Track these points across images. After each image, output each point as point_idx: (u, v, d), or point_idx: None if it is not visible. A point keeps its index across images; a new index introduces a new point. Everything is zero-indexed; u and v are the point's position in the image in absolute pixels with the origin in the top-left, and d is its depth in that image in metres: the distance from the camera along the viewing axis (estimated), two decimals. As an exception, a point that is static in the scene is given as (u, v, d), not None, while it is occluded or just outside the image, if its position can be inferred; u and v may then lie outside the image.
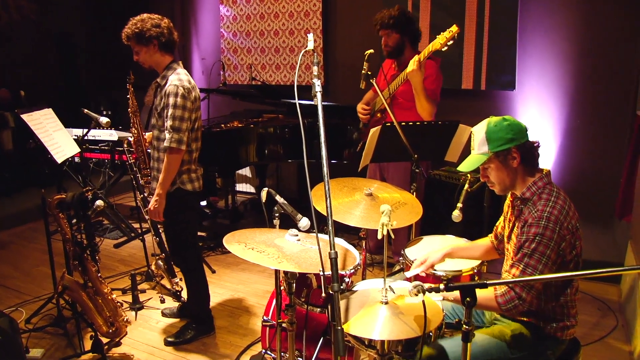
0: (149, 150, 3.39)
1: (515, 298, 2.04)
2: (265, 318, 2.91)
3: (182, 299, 3.75)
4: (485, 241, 2.55)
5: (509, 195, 2.32)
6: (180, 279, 3.68)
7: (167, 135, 3.03)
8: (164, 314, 3.78)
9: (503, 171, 2.17)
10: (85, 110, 3.92)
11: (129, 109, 3.44)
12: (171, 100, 3.02)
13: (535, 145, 2.17)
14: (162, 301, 3.93)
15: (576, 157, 4.82)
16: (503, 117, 2.16)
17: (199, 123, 3.23)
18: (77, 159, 5.14)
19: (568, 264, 2.10)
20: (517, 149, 2.12)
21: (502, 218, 2.44)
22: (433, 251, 2.51)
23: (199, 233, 5.13)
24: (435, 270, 2.54)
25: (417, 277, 2.64)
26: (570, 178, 4.79)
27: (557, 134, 4.85)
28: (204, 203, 5.99)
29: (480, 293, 2.09)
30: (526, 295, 2.04)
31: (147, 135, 3.46)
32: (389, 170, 4.12)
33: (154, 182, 3.25)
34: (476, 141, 2.17)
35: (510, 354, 2.17)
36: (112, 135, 5.40)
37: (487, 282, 1.72)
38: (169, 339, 3.42)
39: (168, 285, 3.80)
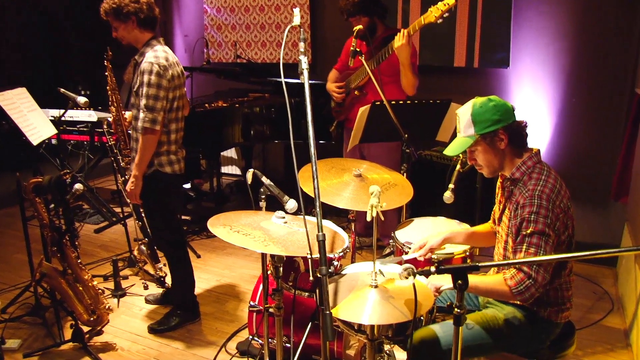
0: (129, 131, 3.35)
1: (526, 278, 2.01)
2: (252, 303, 2.92)
3: (166, 285, 3.75)
4: (486, 227, 2.55)
5: (499, 176, 2.33)
6: (164, 265, 3.67)
7: (141, 115, 3.01)
8: (147, 301, 3.78)
9: (490, 153, 2.17)
10: (62, 89, 3.86)
11: (107, 87, 3.40)
12: (145, 78, 2.99)
13: (523, 125, 2.18)
14: (146, 287, 3.93)
15: (571, 136, 4.83)
16: (488, 97, 2.15)
17: (181, 102, 3.19)
18: (54, 141, 5.08)
19: (561, 244, 2.12)
20: (504, 130, 2.12)
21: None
22: (432, 235, 2.50)
23: (183, 217, 5.13)
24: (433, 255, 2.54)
25: (408, 261, 2.66)
26: (565, 158, 4.82)
27: (552, 112, 4.87)
28: (188, 186, 5.97)
29: (488, 279, 2.12)
30: (536, 274, 2.01)
31: (127, 114, 3.42)
32: (369, 148, 4.13)
33: (133, 164, 3.22)
34: (462, 124, 2.17)
35: (503, 338, 2.19)
36: (91, 115, 5.33)
37: (479, 264, 1.72)
38: (153, 326, 3.43)
39: (151, 271, 3.80)
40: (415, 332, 2.15)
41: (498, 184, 2.35)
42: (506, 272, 2.07)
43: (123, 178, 3.48)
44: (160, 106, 3.02)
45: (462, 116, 2.17)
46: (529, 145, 2.22)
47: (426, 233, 2.89)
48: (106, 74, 3.38)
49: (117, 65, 3.43)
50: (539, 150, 2.20)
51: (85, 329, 3.21)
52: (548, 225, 2.03)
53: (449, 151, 2.22)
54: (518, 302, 2.22)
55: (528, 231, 2.04)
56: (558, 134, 4.88)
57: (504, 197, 2.29)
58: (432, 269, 1.74)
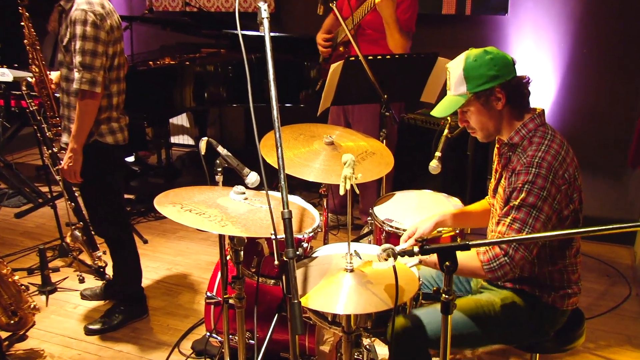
0: (56, 94, 3.29)
1: (501, 255, 2.05)
2: (209, 294, 2.93)
3: (107, 276, 3.72)
4: (483, 205, 2.56)
5: (496, 141, 2.34)
6: (104, 253, 3.65)
7: (77, 75, 2.94)
8: (84, 296, 3.76)
9: (485, 115, 2.17)
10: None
11: (25, 41, 3.31)
12: (78, 29, 2.91)
13: (524, 81, 2.18)
14: (82, 280, 3.89)
15: (581, 95, 4.85)
16: (485, 49, 2.15)
17: (122, 59, 3.14)
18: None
19: (564, 220, 2.14)
20: (502, 88, 2.12)
21: None
22: (422, 220, 2.51)
23: (127, 195, 5.08)
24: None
25: (389, 241, 2.69)
26: (573, 121, 4.85)
27: (557, 67, 4.88)
28: (131, 159, 5.91)
29: (461, 254, 2.14)
30: (514, 252, 2.04)
31: (54, 74, 3.35)
32: (354, 114, 4.14)
33: (64, 134, 3.17)
34: (452, 80, 2.17)
35: (499, 327, 2.24)
36: (4, 74, 5.18)
37: (470, 243, 1.74)
38: (91, 327, 3.41)
39: (88, 261, 3.77)
40: (397, 319, 2.18)
41: (495, 150, 2.37)
42: (480, 247, 2.10)
43: (50, 151, 3.42)
44: (99, 64, 2.96)
45: (453, 71, 2.17)
46: (532, 106, 2.22)
47: (410, 209, 2.94)
48: (22, 23, 3.29)
49: (37, 13, 3.33)
50: (543, 110, 2.21)
51: (4, 334, 3.16)
52: (542, 198, 2.04)
53: (437, 112, 2.22)
54: (517, 286, 2.26)
55: (516, 202, 2.07)
56: (565, 93, 4.90)
57: (500, 165, 2.31)
58: (416, 248, 1.76)
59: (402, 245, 2.45)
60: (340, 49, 4.00)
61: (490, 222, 2.38)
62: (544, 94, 4.92)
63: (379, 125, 3.42)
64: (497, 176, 2.35)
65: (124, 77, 3.20)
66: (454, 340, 1.87)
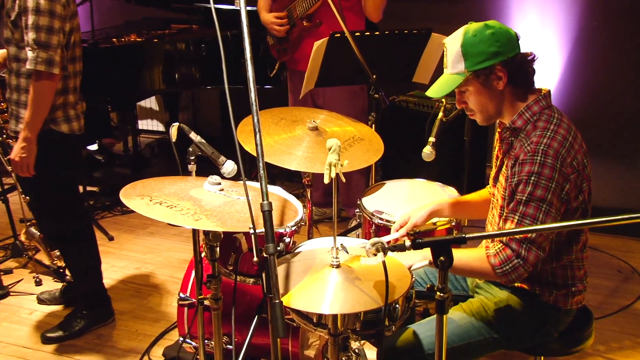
0: (3, 75, 3.26)
1: (514, 257, 2.05)
2: (182, 295, 2.93)
3: (67, 277, 3.72)
4: (482, 194, 2.57)
5: (497, 126, 2.35)
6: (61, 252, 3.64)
7: (30, 54, 2.90)
8: (41, 301, 3.73)
9: (485, 95, 2.18)
10: None
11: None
12: (30, 2, 2.87)
13: (529, 58, 2.18)
14: (38, 283, 3.87)
15: (590, 73, 4.86)
16: (485, 23, 2.14)
17: (78, 36, 3.12)
18: None
19: (573, 212, 2.16)
20: (503, 67, 2.12)
21: None
22: (415, 209, 2.52)
23: (89, 188, 5.07)
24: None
25: (379, 234, 2.71)
26: (580, 101, 4.85)
27: (564, 42, 4.88)
28: (94, 147, 5.88)
29: (467, 254, 2.15)
30: (527, 252, 2.05)
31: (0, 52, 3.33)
32: (325, 94, 4.13)
33: (13, 121, 3.14)
34: (450, 57, 2.17)
35: (495, 333, 2.25)
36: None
37: (467, 236, 1.74)
38: (50, 335, 3.39)
39: (46, 261, 3.76)
40: (390, 337, 2.20)
41: (496, 135, 2.37)
42: (490, 247, 2.11)
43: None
44: (56, 41, 2.93)
45: (451, 47, 2.17)
46: (537, 86, 2.23)
47: (401, 200, 2.96)
48: None
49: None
50: (549, 91, 2.21)
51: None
52: (551, 190, 2.05)
53: (433, 92, 2.22)
54: (515, 285, 2.28)
55: (524, 197, 2.07)
56: (571, 70, 4.90)
57: (501, 151, 2.31)
58: (408, 242, 1.77)
59: (393, 235, 2.47)
60: (304, 23, 3.98)
61: (490, 213, 2.40)
62: (549, 72, 4.91)
63: (357, 106, 3.41)
64: (497, 163, 2.35)
65: (80, 56, 3.18)
66: (449, 356, 1.88)
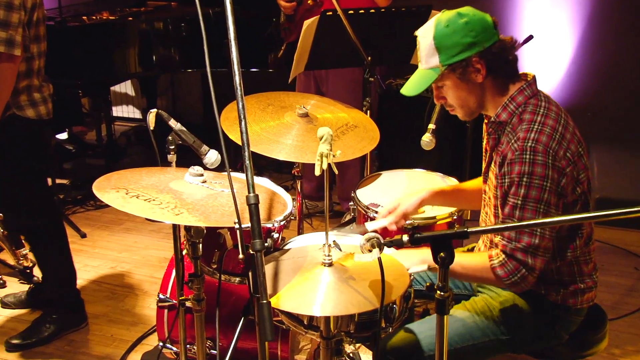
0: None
1: (521, 267, 2.07)
2: (161, 296, 2.93)
3: (35, 278, 3.70)
4: (478, 183, 2.56)
5: (484, 117, 2.36)
6: (31, 251, 3.63)
7: None
8: (5, 304, 3.74)
9: (464, 89, 2.18)
10: None
11: None
12: None
13: (509, 46, 2.16)
14: (2, 285, 3.84)
15: (603, 53, 4.83)
16: (457, 11, 2.13)
17: (42, 13, 3.11)
18: None
19: (573, 206, 2.17)
20: (481, 57, 2.11)
21: None
22: (406, 196, 2.53)
23: (59, 180, 5.05)
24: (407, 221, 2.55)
25: (374, 230, 2.71)
26: (594, 83, 4.82)
27: (575, 20, 4.87)
28: (64, 136, 5.87)
29: (470, 261, 2.18)
30: (533, 260, 2.06)
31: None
32: (328, 81, 4.14)
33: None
34: (423, 51, 2.17)
35: (501, 334, 2.26)
36: None
37: (469, 230, 1.75)
38: (14, 341, 3.38)
39: (11, 261, 3.74)
40: (386, 336, 2.21)
41: (484, 126, 2.38)
42: (493, 257, 2.11)
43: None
44: (17, 19, 2.91)
45: (423, 40, 2.17)
46: (529, 70, 2.23)
47: (398, 192, 2.96)
48: None
49: None
50: (534, 77, 2.22)
51: None
52: (547, 189, 2.05)
53: (407, 90, 2.25)
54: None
55: (519, 201, 2.07)
56: (583, 50, 4.88)
57: (489, 146, 2.32)
58: (405, 237, 1.78)
59: (380, 222, 2.47)
60: (309, 2, 3.99)
61: (483, 211, 2.41)
62: (560, 53, 4.89)
63: (361, 94, 3.42)
64: (487, 158, 2.35)
65: (45, 35, 3.16)
66: (451, 358, 1.89)
